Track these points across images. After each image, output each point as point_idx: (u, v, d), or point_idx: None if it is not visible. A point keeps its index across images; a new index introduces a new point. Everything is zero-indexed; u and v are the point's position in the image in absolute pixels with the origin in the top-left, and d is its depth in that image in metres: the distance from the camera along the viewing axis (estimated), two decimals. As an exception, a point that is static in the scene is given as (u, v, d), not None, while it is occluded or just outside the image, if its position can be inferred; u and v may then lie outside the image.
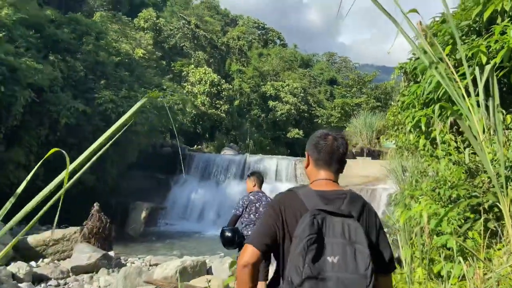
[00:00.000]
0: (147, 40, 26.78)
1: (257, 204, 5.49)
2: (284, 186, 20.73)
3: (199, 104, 28.80)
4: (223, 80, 30.95)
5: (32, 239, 9.38)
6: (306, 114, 38.69)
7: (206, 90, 29.17)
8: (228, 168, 21.51)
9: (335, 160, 2.14)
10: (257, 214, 5.42)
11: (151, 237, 16.07)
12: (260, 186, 5.73)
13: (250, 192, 5.65)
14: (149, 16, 28.52)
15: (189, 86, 29.16)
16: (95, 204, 9.53)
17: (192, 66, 30.37)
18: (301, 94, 37.92)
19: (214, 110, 29.67)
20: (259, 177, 5.79)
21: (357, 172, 20.12)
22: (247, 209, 5.48)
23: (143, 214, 15.69)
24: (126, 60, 19.54)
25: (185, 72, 29.92)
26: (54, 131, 16.33)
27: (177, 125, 24.51)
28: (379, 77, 35.99)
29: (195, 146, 28.64)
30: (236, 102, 34.43)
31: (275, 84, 37.38)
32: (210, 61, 32.70)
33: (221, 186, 20.92)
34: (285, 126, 36.92)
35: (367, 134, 23.77)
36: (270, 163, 21.66)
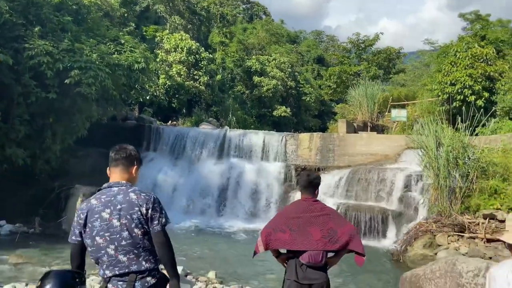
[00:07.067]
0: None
1: (104, 213, 2.58)
2: (272, 167, 16.14)
3: (174, 74, 23.86)
4: (202, 48, 25.97)
5: None
6: (293, 91, 34.09)
7: (183, 58, 24.20)
8: (204, 145, 16.79)
9: None
10: (107, 234, 2.55)
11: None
12: (124, 171, 2.77)
13: (98, 190, 2.74)
14: (116, -29, 23.26)
15: (163, 54, 24.17)
16: None
17: (167, 31, 25.31)
18: (289, 70, 33.23)
19: (192, 81, 24.75)
20: (119, 153, 2.79)
21: (362, 150, 15.59)
22: (87, 228, 2.60)
23: (79, 202, 10.98)
24: (74, 6, 14.52)
25: (158, 38, 24.87)
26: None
27: (146, 97, 19.70)
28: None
29: (170, 121, 23.82)
30: (218, 77, 29.57)
31: (261, 58, 32.55)
32: (188, 27, 27.65)
33: (195, 166, 16.22)
34: (271, 103, 32.24)
35: (369, 106, 19.29)
36: (255, 139, 17.01)
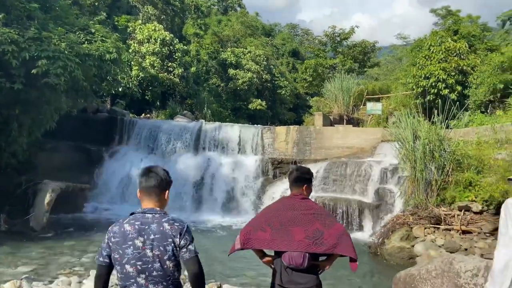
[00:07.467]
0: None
1: (137, 241, 2.49)
2: (249, 160, 15.91)
3: (147, 65, 23.19)
4: (176, 40, 25.35)
5: None
6: (269, 84, 33.87)
7: (156, 49, 23.54)
8: (179, 138, 16.36)
9: None
10: (139, 263, 2.47)
11: (62, 230, 10.82)
12: (156, 197, 2.63)
13: (131, 214, 2.59)
14: (86, -42, 22.29)
15: (135, 45, 23.43)
16: None
17: (140, 22, 24.55)
18: (264, 63, 32.97)
19: (166, 73, 24.15)
20: (150, 181, 2.63)
21: (338, 143, 15.55)
22: (117, 254, 2.50)
23: (47, 198, 10.42)
24: (40, -7, 13.74)
25: (131, 28, 24.09)
26: None
27: (119, 88, 19.00)
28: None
29: (143, 114, 23.18)
30: (193, 69, 28.99)
31: (236, 50, 32.16)
32: (162, 17, 26.92)
33: (169, 160, 15.79)
34: (246, 96, 31.96)
35: (344, 100, 19.29)
36: (231, 132, 16.72)
